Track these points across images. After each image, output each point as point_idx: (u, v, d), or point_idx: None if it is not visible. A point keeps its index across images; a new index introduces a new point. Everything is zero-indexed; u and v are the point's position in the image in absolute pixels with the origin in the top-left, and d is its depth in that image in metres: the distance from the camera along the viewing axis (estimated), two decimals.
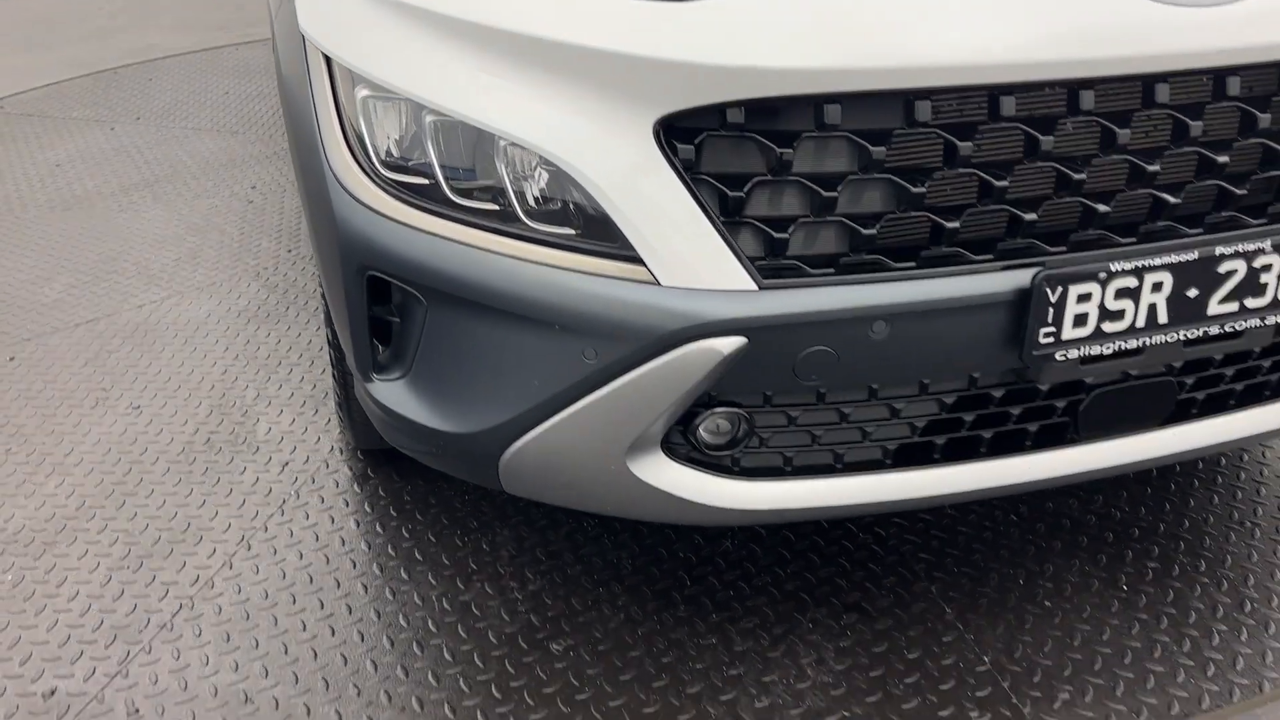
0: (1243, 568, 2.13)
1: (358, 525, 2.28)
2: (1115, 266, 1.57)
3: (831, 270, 1.54)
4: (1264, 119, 1.59)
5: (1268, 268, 1.65)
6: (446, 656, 1.94)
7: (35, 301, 3.34)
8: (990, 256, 1.57)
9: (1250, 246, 1.62)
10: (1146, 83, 1.53)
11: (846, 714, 1.82)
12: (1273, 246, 1.63)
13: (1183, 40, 1.50)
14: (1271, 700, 1.84)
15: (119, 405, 2.75)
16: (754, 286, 1.52)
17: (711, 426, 1.67)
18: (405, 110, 1.63)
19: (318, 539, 2.24)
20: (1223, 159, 1.60)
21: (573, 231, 1.56)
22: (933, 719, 1.81)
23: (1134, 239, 1.62)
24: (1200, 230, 1.65)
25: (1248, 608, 2.03)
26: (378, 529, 2.27)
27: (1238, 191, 1.64)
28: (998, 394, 1.71)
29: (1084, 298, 1.58)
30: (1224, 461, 2.45)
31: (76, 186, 4.29)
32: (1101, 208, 1.58)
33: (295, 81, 1.86)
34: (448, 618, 2.03)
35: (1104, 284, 1.58)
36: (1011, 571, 2.13)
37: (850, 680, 1.89)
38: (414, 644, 1.97)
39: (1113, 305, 1.60)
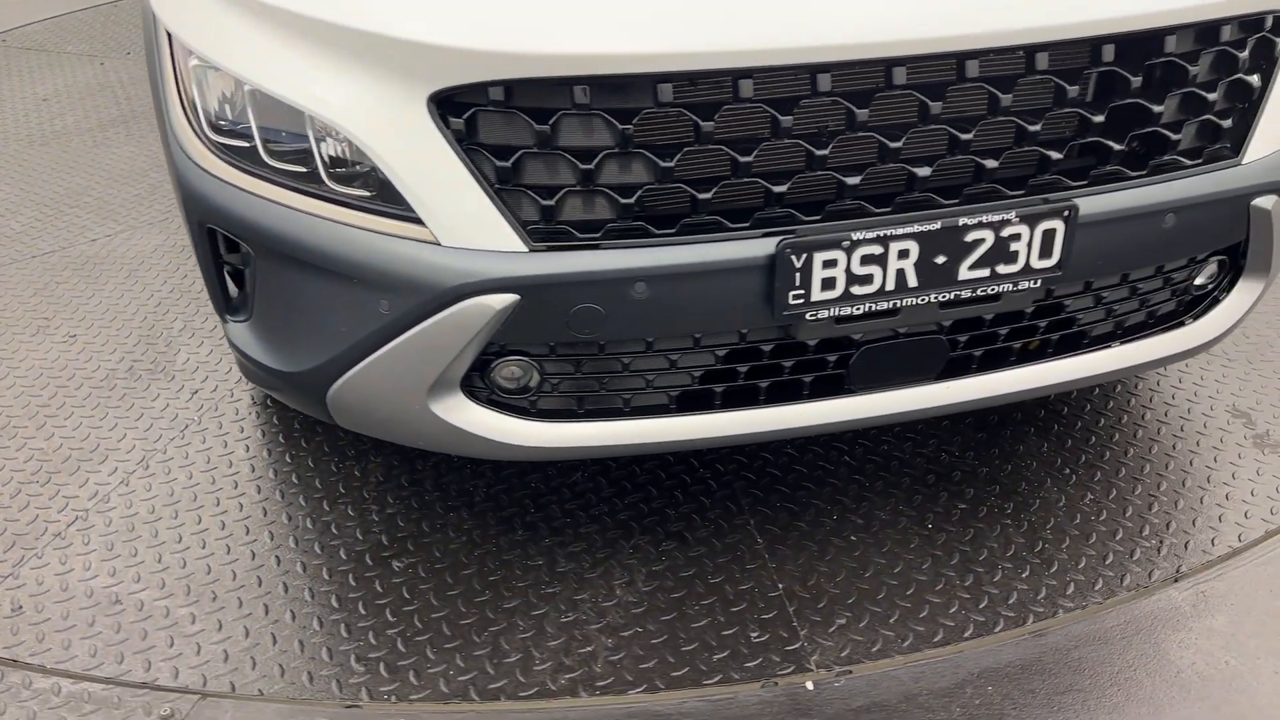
0: (1047, 511, 2.29)
1: (247, 449, 2.51)
2: (857, 235, 1.72)
3: (598, 235, 1.71)
4: (1006, 99, 1.72)
5: (1016, 237, 1.79)
6: (298, 569, 2.17)
7: (0, 233, 3.58)
8: (747, 225, 1.73)
9: (996, 217, 1.76)
10: (886, 66, 1.66)
11: (640, 630, 2.02)
12: (1020, 218, 1.77)
13: (918, 28, 1.63)
14: (1032, 633, 2.01)
15: (57, 334, 2.99)
16: (525, 248, 1.69)
17: (505, 373, 1.85)
18: (229, 80, 1.81)
19: (209, 461, 2.47)
20: (967, 136, 1.73)
21: (367, 194, 1.74)
22: (715, 636, 2.01)
23: (889, 209, 1.76)
24: (958, 200, 1.79)
25: (1038, 548, 2.19)
26: (265, 454, 2.50)
27: (989, 165, 1.77)
28: (767, 348, 1.87)
29: (830, 263, 1.73)
30: (1065, 409, 2.60)
31: (58, 121, 4.51)
32: (851, 180, 1.73)
33: (150, 48, 2.04)
34: (307, 535, 2.25)
35: (849, 251, 1.72)
36: (829, 507, 2.31)
37: (653, 600, 2.09)
38: (273, 558, 2.20)
39: (860, 270, 1.75)
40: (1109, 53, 1.74)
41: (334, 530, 2.27)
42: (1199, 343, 2.14)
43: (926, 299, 1.81)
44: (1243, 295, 2.15)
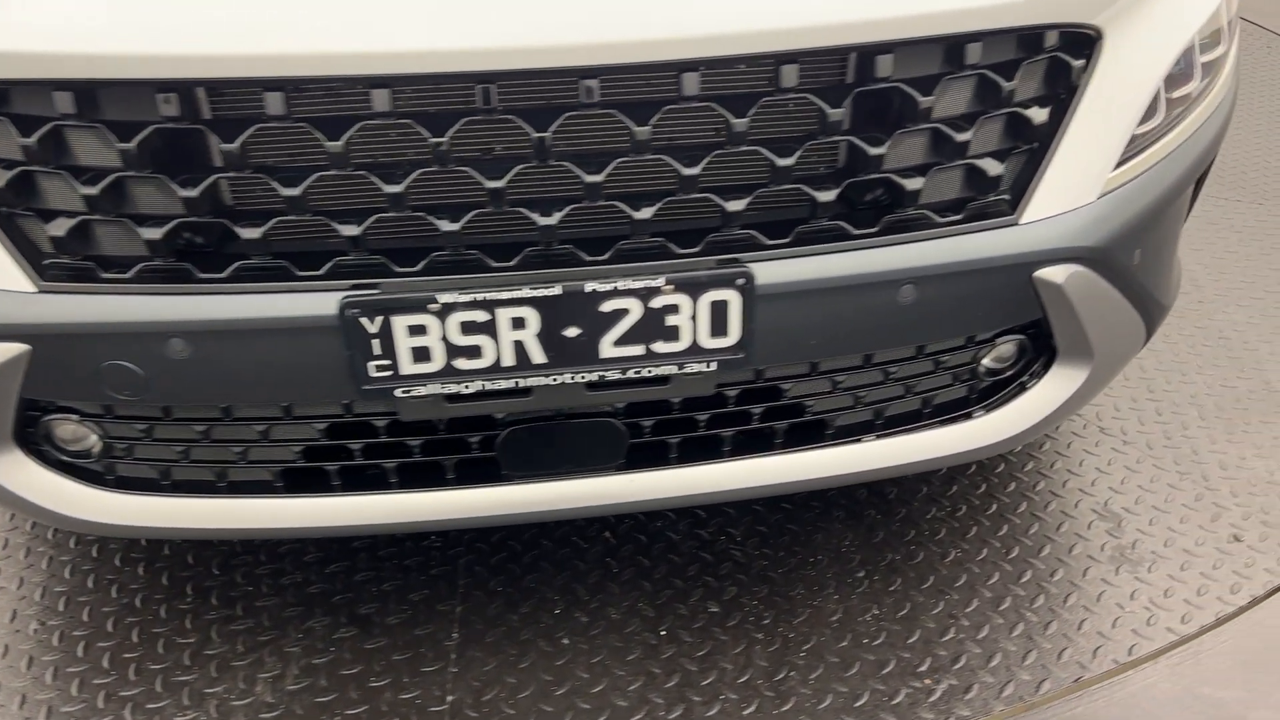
0: (812, 627, 1.87)
1: None
2: (447, 298, 1.34)
3: (128, 276, 1.36)
4: (644, 132, 1.31)
5: (673, 309, 1.38)
6: None
7: None
8: (320, 274, 1.36)
9: (638, 284, 1.36)
10: (471, 83, 1.27)
11: None
12: (674, 285, 1.37)
13: (513, 35, 1.24)
14: None
15: None
16: (33, 288, 1.36)
17: (64, 433, 1.53)
18: None
19: None
20: (596, 178, 1.33)
21: None
22: None
23: (511, 263, 1.37)
24: (605, 258, 1.39)
25: (779, 675, 1.78)
26: None
27: (638, 216, 1.36)
28: (380, 424, 1.51)
29: (417, 330, 1.36)
30: (893, 492, 2.16)
31: None
32: (448, 226, 1.34)
33: None
34: None
35: (441, 316, 1.35)
36: (558, 598, 1.93)
37: (293, 703, 1.75)
38: None
39: (462, 341, 1.37)
40: (791, 75, 1.31)
41: None
42: (995, 440, 1.70)
43: (563, 379, 1.42)
44: (1059, 384, 1.69)
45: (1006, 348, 1.65)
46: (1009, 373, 1.68)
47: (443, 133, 1.28)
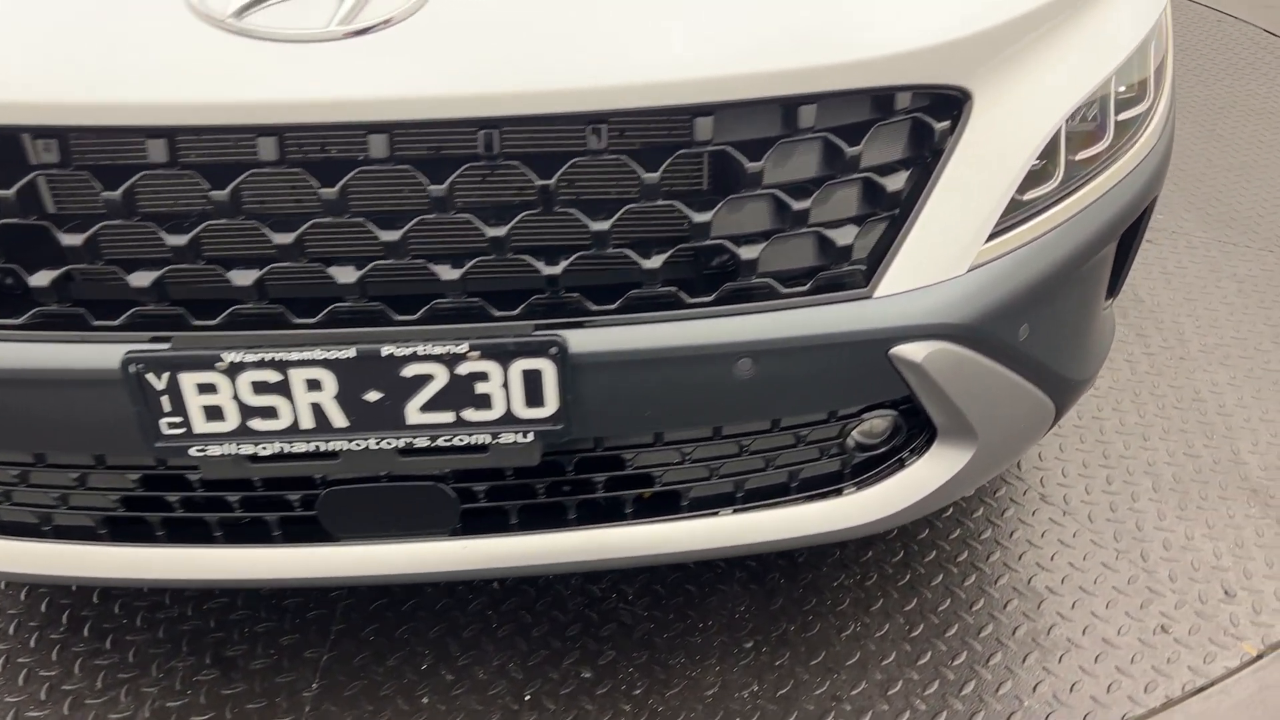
0: (684, 700, 1.77)
1: None
2: (234, 357, 1.27)
3: None
4: (440, 190, 1.22)
5: (482, 376, 1.30)
6: None
7: None
8: (115, 324, 1.30)
9: (440, 349, 1.28)
10: (255, 133, 1.20)
11: None
12: (480, 352, 1.28)
13: (313, 87, 1.17)
14: None
15: None
16: None
17: None
18: None
19: None
20: (393, 235, 1.25)
21: None
22: None
23: (314, 320, 1.30)
24: (416, 318, 1.31)
25: None
26: None
27: (446, 277, 1.28)
28: (195, 478, 1.45)
29: (207, 388, 1.29)
30: (803, 553, 2.04)
31: None
32: (241, 280, 1.28)
33: None
34: None
35: (230, 375, 1.28)
36: (427, 652, 1.86)
37: None
38: None
39: (254, 401, 1.30)
40: (601, 137, 1.22)
41: None
42: (867, 519, 1.58)
43: (370, 444, 1.34)
44: (940, 463, 1.57)
45: (879, 423, 1.54)
46: (883, 449, 1.57)
47: (225, 185, 1.21)
